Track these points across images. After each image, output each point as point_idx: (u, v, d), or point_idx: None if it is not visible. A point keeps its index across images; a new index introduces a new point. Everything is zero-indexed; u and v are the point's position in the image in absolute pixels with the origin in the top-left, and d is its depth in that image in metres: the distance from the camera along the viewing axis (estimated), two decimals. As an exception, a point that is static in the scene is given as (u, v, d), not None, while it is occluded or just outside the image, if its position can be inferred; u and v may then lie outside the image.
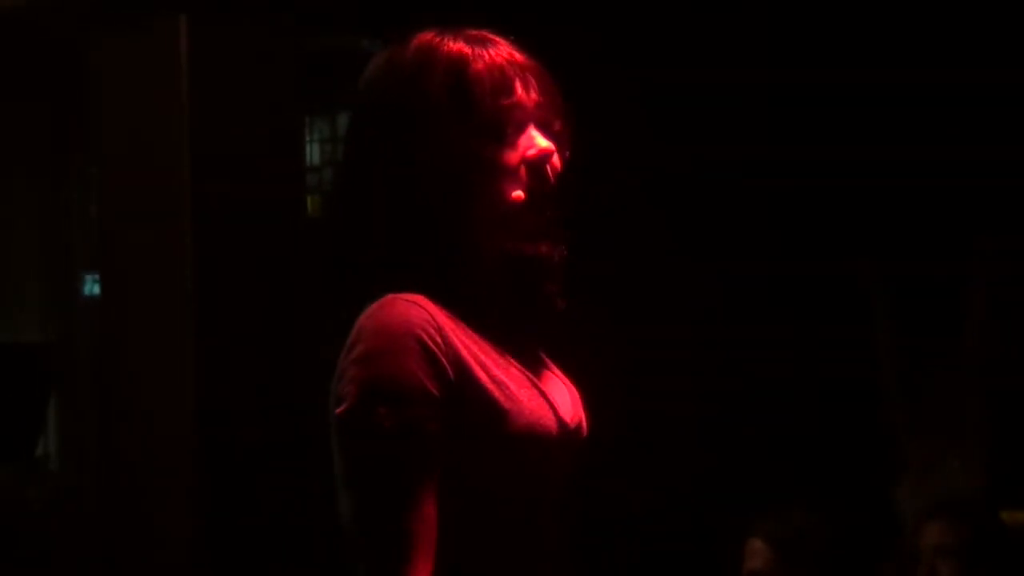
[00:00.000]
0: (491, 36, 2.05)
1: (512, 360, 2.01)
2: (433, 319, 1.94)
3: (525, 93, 2.00)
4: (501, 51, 2.02)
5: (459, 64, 2.00)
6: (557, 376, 2.11)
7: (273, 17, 4.34)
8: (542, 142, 1.99)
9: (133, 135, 4.31)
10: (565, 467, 2.04)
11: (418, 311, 1.94)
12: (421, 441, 1.92)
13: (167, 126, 4.22)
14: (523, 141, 2.00)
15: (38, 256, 5.39)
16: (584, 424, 2.09)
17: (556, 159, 2.01)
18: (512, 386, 1.96)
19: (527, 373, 2.01)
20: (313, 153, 6.12)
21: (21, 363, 5.05)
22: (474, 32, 2.05)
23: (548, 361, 2.11)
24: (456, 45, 2.02)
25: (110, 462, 4.54)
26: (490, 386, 1.95)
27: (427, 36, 2.05)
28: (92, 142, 4.62)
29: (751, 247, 5.45)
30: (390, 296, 1.96)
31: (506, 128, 1.99)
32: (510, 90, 1.99)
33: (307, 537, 4.36)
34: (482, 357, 1.97)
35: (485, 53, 2.01)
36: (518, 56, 2.03)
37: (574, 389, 2.10)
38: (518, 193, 1.98)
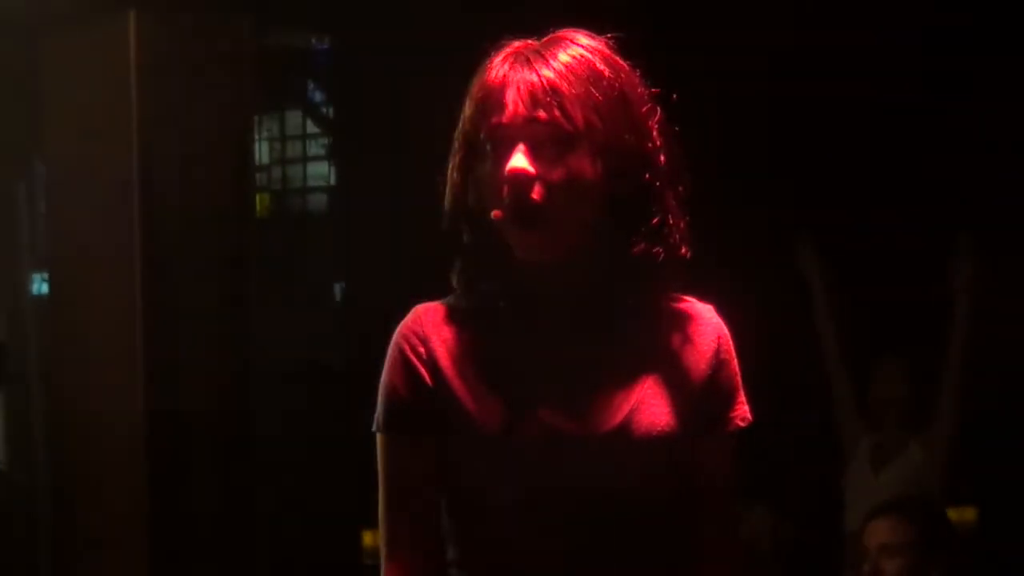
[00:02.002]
0: (556, 41, 2.06)
1: (532, 367, 2.06)
2: (421, 329, 2.08)
3: (522, 111, 2.00)
4: (521, 65, 2.03)
5: (473, 80, 2.06)
6: (603, 382, 2.08)
7: (222, 14, 4.33)
8: (516, 161, 1.99)
9: (81, 132, 4.29)
10: (571, 473, 2.03)
11: (412, 321, 2.10)
12: (400, 447, 2.08)
13: (116, 123, 4.20)
14: (509, 159, 2.00)
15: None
16: (612, 429, 2.06)
17: (534, 176, 2.00)
18: (489, 397, 2.04)
19: (541, 382, 2.04)
20: (262, 151, 6.11)
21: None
22: (548, 38, 2.07)
23: (603, 365, 2.08)
24: (495, 57, 2.06)
25: (59, 461, 4.52)
26: (460, 393, 2.05)
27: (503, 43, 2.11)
28: (40, 139, 4.59)
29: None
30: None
31: (486, 146, 2.02)
32: (500, 109, 2.00)
33: (254, 536, 4.36)
34: (467, 365, 2.06)
35: (500, 68, 2.03)
36: (547, 71, 2.01)
37: (623, 395, 2.07)
38: (496, 211, 2.01)
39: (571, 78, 2.00)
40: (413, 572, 2.11)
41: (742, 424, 2.13)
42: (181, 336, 4.23)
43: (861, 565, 4.07)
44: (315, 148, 6.34)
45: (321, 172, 6.35)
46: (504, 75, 2.01)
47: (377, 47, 5.27)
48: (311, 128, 6.32)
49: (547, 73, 1.99)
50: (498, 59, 2.03)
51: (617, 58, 2.06)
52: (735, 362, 2.15)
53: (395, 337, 2.11)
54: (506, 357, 2.06)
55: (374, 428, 2.11)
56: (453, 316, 2.11)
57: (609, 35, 2.09)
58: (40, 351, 5.09)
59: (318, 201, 6.42)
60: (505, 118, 2.00)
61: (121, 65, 4.17)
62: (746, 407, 2.15)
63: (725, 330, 2.15)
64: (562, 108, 1.99)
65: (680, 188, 2.09)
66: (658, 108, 2.08)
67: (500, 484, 2.03)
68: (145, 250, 4.17)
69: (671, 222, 2.07)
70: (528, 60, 2.01)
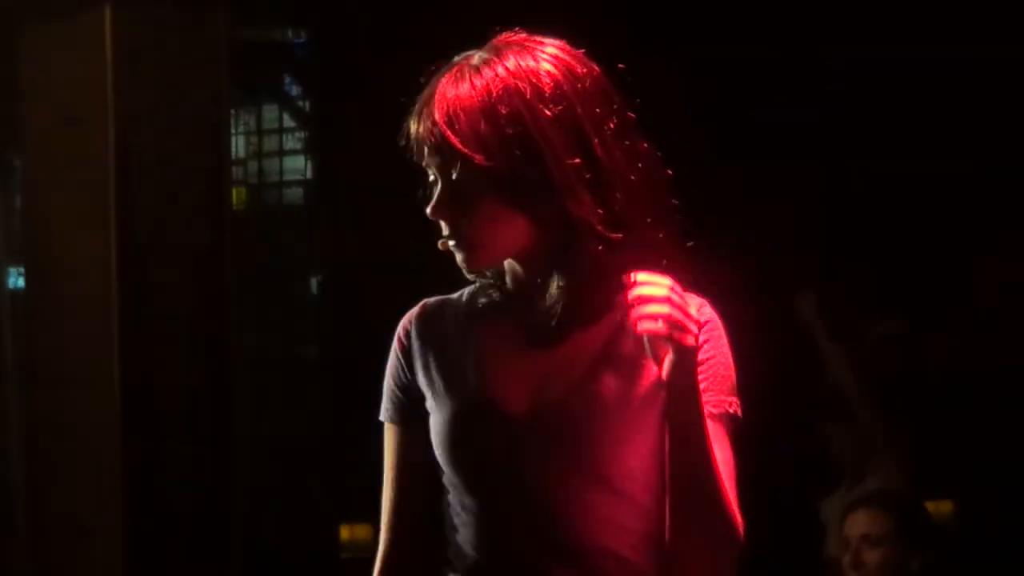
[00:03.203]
0: (477, 66, 2.09)
1: (509, 354, 2.14)
2: (412, 323, 2.22)
3: (424, 158, 2.11)
4: (442, 77, 2.10)
5: None
6: (575, 375, 2.11)
7: (198, 8, 4.31)
8: (429, 208, 2.12)
9: (57, 126, 4.27)
10: (524, 457, 2.08)
11: (407, 315, 2.24)
12: (390, 435, 2.22)
13: (92, 117, 4.19)
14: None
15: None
16: (565, 410, 2.10)
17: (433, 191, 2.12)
18: (457, 384, 2.14)
19: (510, 369, 2.12)
20: (238, 145, 6.10)
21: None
22: (474, 60, 2.11)
23: (577, 359, 2.11)
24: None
25: (35, 457, 4.51)
26: (435, 383, 2.16)
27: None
28: (15, 133, 4.58)
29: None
30: None
31: (414, 157, 2.14)
32: (414, 149, 2.12)
33: (231, 530, 4.35)
34: (445, 359, 2.17)
35: (418, 104, 2.12)
36: (442, 81, 2.08)
37: (595, 387, 2.10)
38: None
39: (461, 118, 2.05)
40: (401, 554, 2.22)
41: (728, 409, 2.12)
42: (157, 330, 4.23)
43: (842, 555, 4.10)
44: (291, 142, 6.34)
45: (297, 166, 6.35)
46: (417, 113, 2.09)
47: (353, 41, 5.26)
48: (287, 122, 6.32)
49: (438, 115, 2.06)
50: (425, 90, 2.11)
51: (553, 75, 2.08)
52: (723, 355, 2.15)
53: (396, 332, 2.24)
54: (486, 350, 2.14)
55: (380, 416, 2.25)
56: (446, 311, 2.22)
57: (563, 40, 2.12)
58: (16, 344, 5.07)
59: (295, 195, 6.42)
60: (418, 159, 2.11)
61: (97, 59, 4.16)
62: (726, 398, 2.13)
63: (714, 321, 2.16)
64: (451, 153, 2.06)
65: (643, 190, 2.11)
66: (614, 116, 2.10)
67: (468, 472, 2.13)
68: (121, 244, 4.16)
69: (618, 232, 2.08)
70: (432, 97, 2.08)
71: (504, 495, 2.10)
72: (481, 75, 2.07)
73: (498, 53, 2.09)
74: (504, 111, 2.05)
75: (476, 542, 2.13)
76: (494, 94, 2.05)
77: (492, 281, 2.19)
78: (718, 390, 2.13)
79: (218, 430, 4.32)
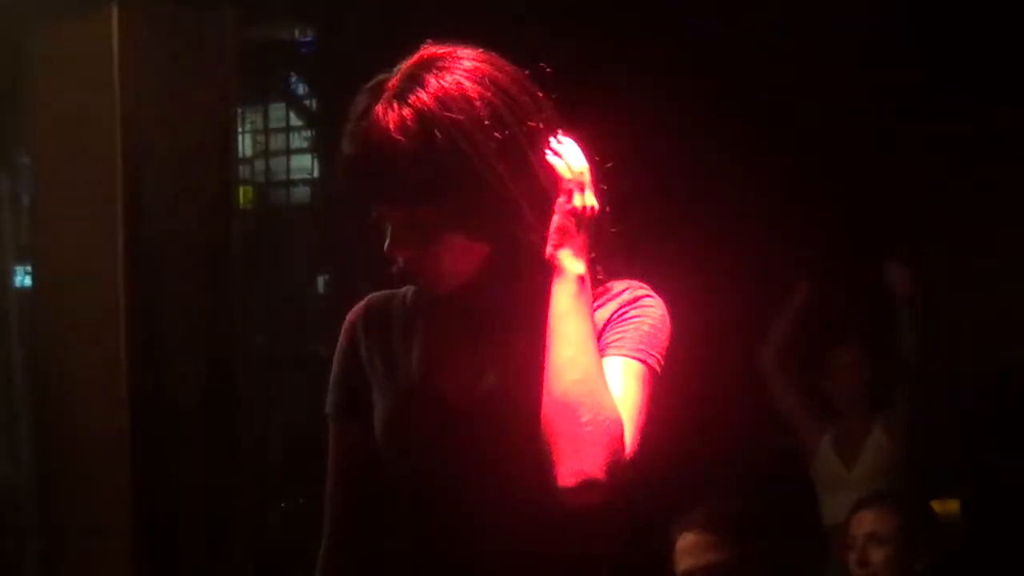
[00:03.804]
0: (394, 100, 2.06)
1: (445, 348, 2.16)
2: (359, 318, 2.24)
3: (373, 203, 2.12)
4: (367, 116, 2.07)
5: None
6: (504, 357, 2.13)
7: (205, 7, 4.32)
8: (386, 246, 2.12)
9: (65, 126, 4.28)
10: (462, 446, 2.10)
11: (352, 311, 2.26)
12: (334, 430, 2.25)
13: (99, 116, 4.19)
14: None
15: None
16: (499, 399, 2.11)
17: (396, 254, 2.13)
18: (399, 374, 2.16)
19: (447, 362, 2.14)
20: (245, 144, 6.10)
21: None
22: (391, 90, 2.07)
23: (514, 351, 2.12)
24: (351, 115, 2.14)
25: (44, 454, 4.51)
26: (378, 373, 2.19)
27: None
28: (24, 131, 4.58)
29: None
30: None
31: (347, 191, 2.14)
32: (350, 168, 2.10)
33: (239, 527, 4.36)
34: (390, 348, 2.18)
35: (344, 141, 2.10)
36: (373, 125, 2.05)
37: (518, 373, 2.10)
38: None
39: (405, 169, 2.01)
40: (347, 550, 2.23)
41: (628, 355, 2.09)
42: (165, 328, 4.23)
43: (848, 553, 4.10)
44: (298, 141, 6.34)
45: (304, 164, 6.34)
46: (344, 155, 2.07)
47: (360, 39, 5.26)
48: (294, 121, 6.32)
49: (379, 167, 2.02)
50: (348, 119, 2.08)
51: (485, 97, 2.05)
52: (644, 315, 2.14)
53: (343, 327, 2.26)
54: (428, 341, 2.17)
55: (325, 410, 2.26)
56: (392, 305, 2.24)
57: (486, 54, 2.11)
58: (24, 344, 5.08)
59: (301, 193, 6.42)
60: (371, 206, 2.10)
61: (104, 58, 4.17)
62: (642, 348, 2.11)
63: (648, 296, 2.17)
64: (399, 202, 2.05)
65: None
66: (542, 123, 2.10)
67: (406, 459, 2.15)
68: (128, 243, 4.17)
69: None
70: (366, 144, 2.04)
71: (440, 482, 2.11)
72: (416, 116, 2.02)
73: (424, 82, 2.04)
74: (447, 152, 2.01)
75: (415, 530, 2.15)
76: (435, 137, 2.01)
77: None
78: (638, 340, 2.11)
79: (226, 429, 4.32)
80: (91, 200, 4.22)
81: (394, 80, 2.06)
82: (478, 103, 2.03)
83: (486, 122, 2.03)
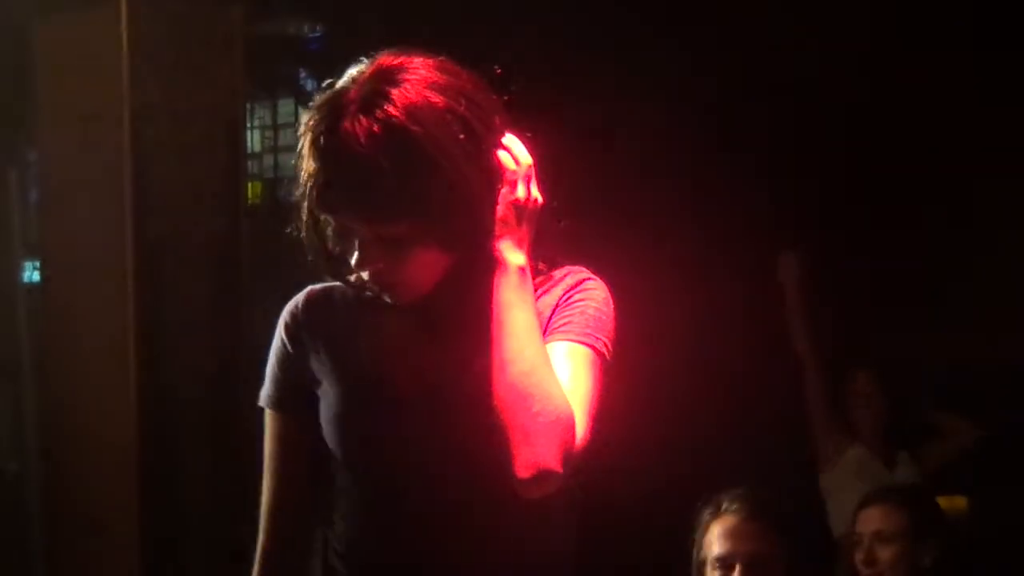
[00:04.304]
0: (359, 114, 2.04)
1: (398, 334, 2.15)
2: (299, 310, 2.23)
3: (345, 218, 2.11)
4: (327, 160, 2.07)
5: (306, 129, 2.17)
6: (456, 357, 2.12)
7: (214, 2, 4.32)
8: (355, 263, 2.12)
9: (73, 120, 4.28)
10: (418, 436, 2.11)
11: (292, 303, 2.26)
12: (274, 421, 2.23)
13: (107, 111, 4.19)
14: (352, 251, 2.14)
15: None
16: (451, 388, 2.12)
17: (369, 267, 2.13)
18: (348, 367, 2.14)
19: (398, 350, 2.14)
20: (254, 139, 6.10)
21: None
22: (355, 104, 2.06)
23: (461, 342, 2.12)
24: (311, 123, 2.13)
25: (51, 450, 4.51)
26: (327, 368, 2.17)
27: None
28: (32, 127, 4.58)
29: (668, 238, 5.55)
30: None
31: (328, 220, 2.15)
32: (322, 205, 2.10)
33: (246, 524, 4.35)
34: (336, 341, 2.18)
35: (313, 153, 2.09)
36: (343, 140, 2.04)
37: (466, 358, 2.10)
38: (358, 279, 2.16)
39: (379, 179, 2.00)
40: (285, 543, 2.24)
41: (575, 340, 2.11)
42: (172, 324, 4.23)
43: (854, 551, 4.09)
44: (307, 136, 6.33)
45: (313, 160, 6.33)
46: (316, 169, 2.04)
47: (368, 35, 5.26)
48: (303, 116, 6.31)
49: (353, 182, 2.00)
50: (311, 132, 2.06)
51: (457, 111, 2.05)
52: (590, 299, 2.16)
53: (280, 318, 2.25)
54: (377, 334, 2.17)
55: (260, 403, 2.24)
56: (334, 298, 2.23)
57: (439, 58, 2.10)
58: (31, 339, 5.08)
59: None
60: (329, 216, 2.08)
61: (113, 54, 4.17)
62: (590, 334, 2.13)
63: (591, 280, 2.19)
64: (378, 219, 2.03)
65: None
66: (491, 131, 2.09)
67: (356, 452, 2.15)
68: (136, 238, 4.17)
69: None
70: (327, 153, 2.02)
71: (390, 474, 2.12)
72: (389, 130, 2.00)
73: (389, 95, 2.02)
74: (421, 166, 2.01)
75: (363, 523, 2.15)
76: (409, 151, 2.00)
77: (329, 271, 2.20)
78: (584, 324, 2.13)
79: (232, 425, 4.32)
80: (99, 195, 4.22)
81: (353, 93, 2.04)
82: (447, 115, 2.03)
83: (459, 135, 2.03)
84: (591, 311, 2.14)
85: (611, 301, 2.18)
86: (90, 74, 4.23)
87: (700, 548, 3.51)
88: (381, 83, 2.03)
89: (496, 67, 2.15)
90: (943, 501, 4.50)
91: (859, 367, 5.32)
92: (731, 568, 3.44)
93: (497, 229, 2.07)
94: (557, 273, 2.19)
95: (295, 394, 2.21)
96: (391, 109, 2.00)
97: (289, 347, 2.22)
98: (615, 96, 5.44)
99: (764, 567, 3.42)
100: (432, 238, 2.06)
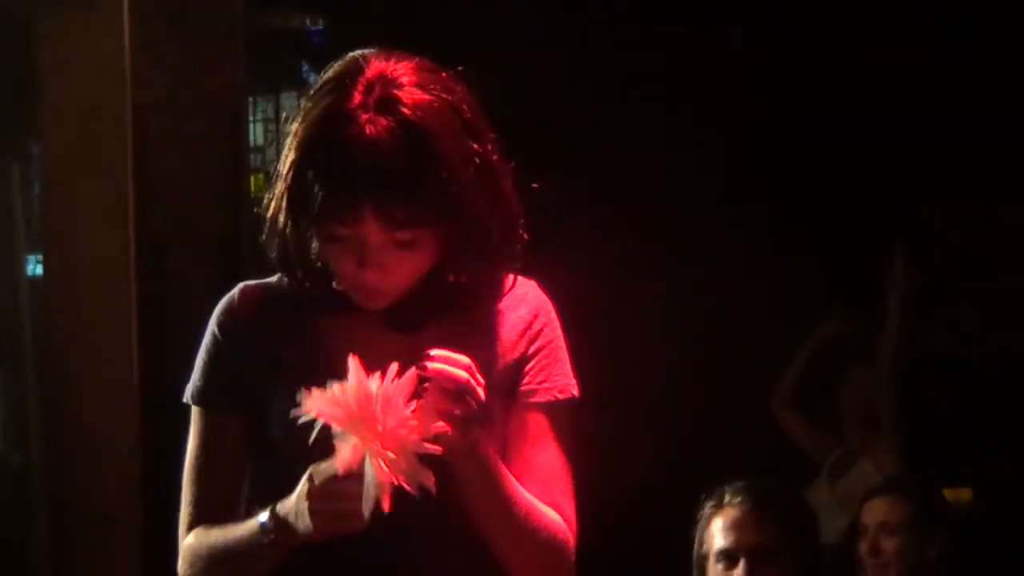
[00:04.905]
0: (383, 113, 2.01)
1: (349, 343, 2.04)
2: (237, 306, 2.16)
3: (373, 229, 2.04)
4: (348, 135, 2.02)
5: (307, 116, 2.12)
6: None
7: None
8: (367, 276, 2.06)
9: (76, 114, 4.28)
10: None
11: (228, 300, 2.19)
12: (208, 420, 2.20)
13: (110, 105, 4.19)
14: (356, 263, 2.08)
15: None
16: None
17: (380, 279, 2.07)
18: (311, 370, 2.02)
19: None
20: (256, 133, 6.10)
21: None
22: (374, 107, 2.02)
23: (409, 350, 2.06)
24: (333, 119, 2.06)
25: (54, 443, 4.52)
26: (271, 364, 2.10)
27: None
28: (35, 121, 4.58)
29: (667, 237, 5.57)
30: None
31: (327, 227, 2.07)
32: (347, 215, 2.03)
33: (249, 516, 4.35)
34: (277, 345, 2.11)
35: (339, 158, 2.03)
36: (360, 143, 2.00)
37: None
38: (342, 287, 2.11)
39: (410, 183, 1.97)
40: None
41: (560, 396, 2.12)
42: (175, 315, 4.23)
43: (859, 542, 4.08)
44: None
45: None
46: (328, 177, 1.98)
47: (370, 27, 5.26)
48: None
49: (390, 180, 1.96)
50: (317, 141, 2.00)
51: (437, 101, 2.02)
52: (554, 335, 2.15)
53: (214, 313, 2.19)
54: (318, 339, 2.09)
55: (185, 399, 2.21)
56: (275, 295, 2.16)
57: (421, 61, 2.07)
58: (35, 333, 5.08)
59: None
60: (353, 229, 2.00)
61: (115, 46, 4.16)
62: (568, 380, 2.14)
63: (545, 305, 2.17)
64: (404, 224, 1.99)
65: (503, 208, 2.09)
66: (475, 139, 2.05)
67: (300, 460, 2.03)
68: (139, 231, 4.17)
69: (490, 243, 2.08)
70: (368, 153, 1.96)
71: None
72: (412, 136, 1.97)
73: (401, 100, 1.99)
74: (442, 171, 1.99)
75: (316, 551, 2.06)
76: (432, 157, 1.98)
77: (306, 274, 2.12)
78: (559, 376, 2.13)
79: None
80: (102, 189, 4.22)
81: (359, 98, 2.00)
82: (453, 113, 2.01)
83: (465, 133, 2.02)
84: (560, 353, 2.15)
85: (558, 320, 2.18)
86: (92, 68, 4.23)
87: (702, 541, 3.48)
88: (387, 86, 2.01)
89: (459, 68, 2.11)
90: (948, 493, 4.49)
91: (854, 365, 5.30)
92: (735, 561, 3.40)
93: (455, 444, 1.98)
94: (510, 302, 2.16)
95: (236, 391, 2.15)
96: (405, 110, 1.98)
97: (227, 343, 2.16)
98: (593, 94, 5.46)
99: (768, 559, 3.39)
100: (436, 245, 2.04)
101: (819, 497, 5.05)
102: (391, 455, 1.91)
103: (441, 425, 1.93)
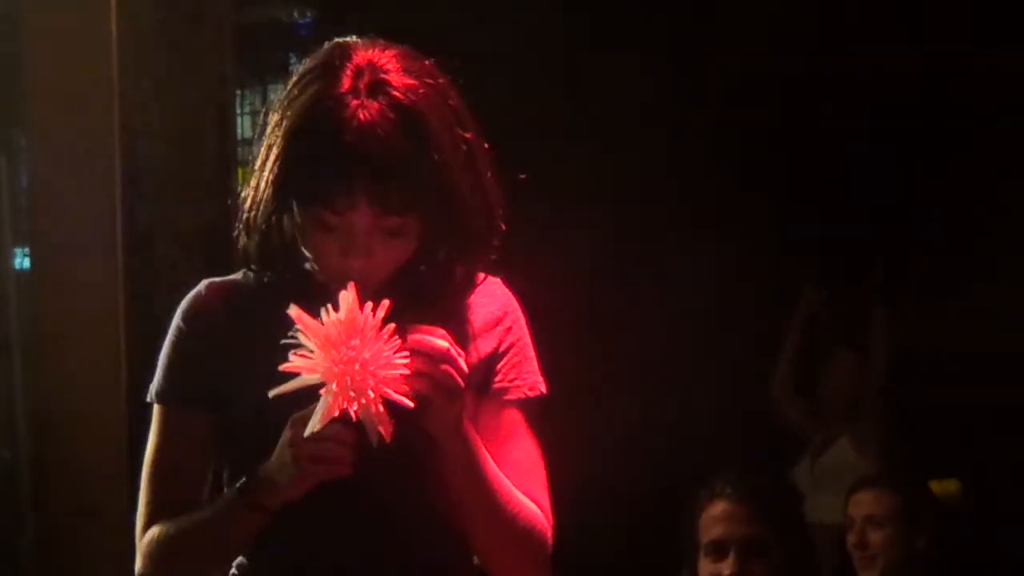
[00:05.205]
0: (377, 96, 2.01)
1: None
2: (204, 305, 2.15)
3: (366, 215, 2.04)
4: (358, 146, 2.00)
5: (296, 93, 2.11)
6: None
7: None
8: (354, 264, 2.04)
9: (63, 106, 4.26)
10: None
11: (195, 296, 2.19)
12: (172, 419, 2.14)
13: (97, 97, 4.18)
14: (344, 252, 2.08)
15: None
16: None
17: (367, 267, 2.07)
18: (265, 372, 1.98)
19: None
20: (244, 125, 6.09)
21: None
22: (366, 90, 2.02)
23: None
24: (320, 96, 2.06)
25: (40, 436, 4.51)
26: (236, 369, 2.08)
27: None
28: (21, 113, 4.57)
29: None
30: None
31: (313, 209, 2.06)
32: (339, 199, 2.02)
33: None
34: (247, 342, 2.08)
35: (332, 137, 2.02)
36: (386, 159, 1.99)
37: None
38: (324, 274, 2.11)
39: (404, 167, 1.96)
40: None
41: (529, 393, 2.13)
42: (163, 309, 4.21)
43: (847, 535, 4.09)
44: (297, 121, 6.31)
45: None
46: (342, 156, 1.95)
47: (358, 20, 5.25)
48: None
49: (386, 164, 1.94)
50: (305, 127, 1.98)
51: (425, 85, 2.02)
52: (522, 333, 2.16)
53: (179, 310, 2.18)
54: (288, 337, 2.01)
55: (148, 398, 2.14)
56: (241, 293, 2.16)
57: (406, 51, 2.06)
58: (22, 325, 5.07)
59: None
60: (343, 216, 1.99)
61: (102, 38, 4.15)
62: (537, 377, 2.15)
63: (512, 303, 2.17)
64: (397, 209, 1.99)
65: (481, 197, 2.09)
66: (462, 127, 2.06)
67: (267, 458, 2.03)
68: (126, 224, 4.16)
69: (471, 233, 2.09)
70: (363, 137, 1.95)
71: (333, 487, 2.01)
72: (407, 122, 1.97)
73: (392, 85, 1.98)
74: (435, 151, 1.99)
75: (293, 524, 2.06)
76: (427, 142, 1.98)
77: (287, 265, 2.11)
78: (529, 373, 2.15)
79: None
80: (88, 181, 4.21)
81: (347, 83, 1.99)
82: (440, 98, 2.01)
83: (451, 119, 2.03)
84: (528, 351, 2.16)
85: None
86: (79, 58, 4.22)
87: (692, 533, 3.48)
88: (376, 72, 2.00)
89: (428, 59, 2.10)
90: (935, 484, 4.50)
91: (841, 351, 5.33)
92: (724, 553, 3.41)
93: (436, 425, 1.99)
94: (479, 290, 2.16)
95: (198, 390, 2.12)
96: (397, 94, 1.98)
97: (194, 340, 2.15)
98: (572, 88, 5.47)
99: (758, 551, 3.40)
100: (420, 233, 2.04)
101: (803, 476, 5.09)
102: (366, 396, 1.89)
103: (422, 383, 1.92)
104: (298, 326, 1.93)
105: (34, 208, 4.55)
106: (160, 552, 2.13)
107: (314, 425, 1.92)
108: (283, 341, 1.97)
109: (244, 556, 2.15)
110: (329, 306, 1.93)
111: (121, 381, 4.16)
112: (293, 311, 1.95)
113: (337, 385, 1.89)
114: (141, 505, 2.17)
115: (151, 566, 2.14)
